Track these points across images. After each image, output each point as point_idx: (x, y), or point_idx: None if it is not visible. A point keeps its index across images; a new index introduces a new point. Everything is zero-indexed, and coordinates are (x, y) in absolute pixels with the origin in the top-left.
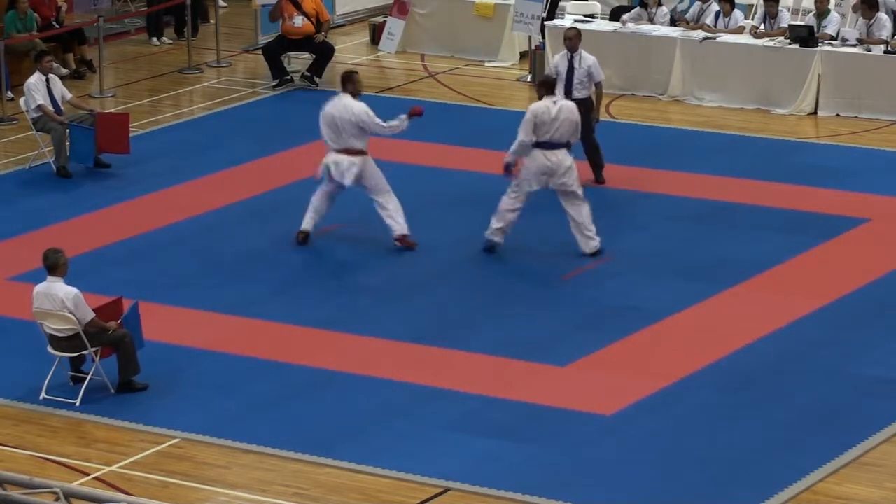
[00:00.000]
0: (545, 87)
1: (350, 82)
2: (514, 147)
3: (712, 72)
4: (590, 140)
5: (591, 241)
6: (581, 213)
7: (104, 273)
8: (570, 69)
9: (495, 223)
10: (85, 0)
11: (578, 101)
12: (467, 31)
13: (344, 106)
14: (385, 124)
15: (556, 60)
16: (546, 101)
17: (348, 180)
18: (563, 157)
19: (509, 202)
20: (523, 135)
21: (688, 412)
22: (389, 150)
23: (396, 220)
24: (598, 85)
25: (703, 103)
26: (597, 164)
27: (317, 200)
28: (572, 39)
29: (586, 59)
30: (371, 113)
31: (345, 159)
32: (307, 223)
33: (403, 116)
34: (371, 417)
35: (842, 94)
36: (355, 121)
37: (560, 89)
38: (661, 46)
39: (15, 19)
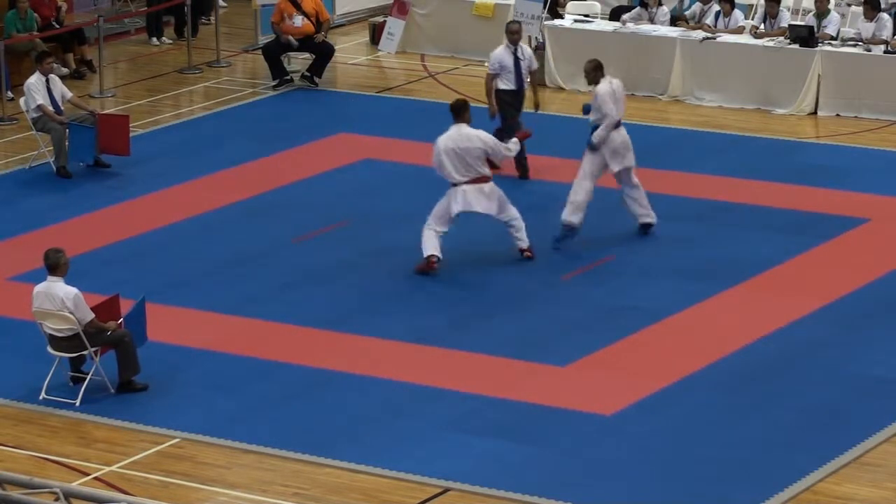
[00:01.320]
0: (600, 70)
1: (467, 111)
2: (603, 127)
3: (712, 72)
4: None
5: (651, 212)
6: (641, 187)
7: (104, 273)
8: (517, 61)
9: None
10: (85, 0)
11: (522, 91)
12: (467, 31)
13: (468, 136)
14: (509, 149)
15: (499, 54)
16: (606, 84)
17: (494, 209)
18: (626, 134)
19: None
20: (614, 112)
21: (688, 412)
22: (390, 150)
23: (523, 232)
24: (534, 73)
25: (703, 103)
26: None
27: (433, 238)
28: (517, 33)
29: (526, 50)
30: (495, 138)
31: (481, 191)
32: (437, 250)
33: (515, 140)
34: (371, 417)
35: (842, 94)
36: (484, 148)
37: (508, 82)
38: (661, 46)
39: (15, 19)
